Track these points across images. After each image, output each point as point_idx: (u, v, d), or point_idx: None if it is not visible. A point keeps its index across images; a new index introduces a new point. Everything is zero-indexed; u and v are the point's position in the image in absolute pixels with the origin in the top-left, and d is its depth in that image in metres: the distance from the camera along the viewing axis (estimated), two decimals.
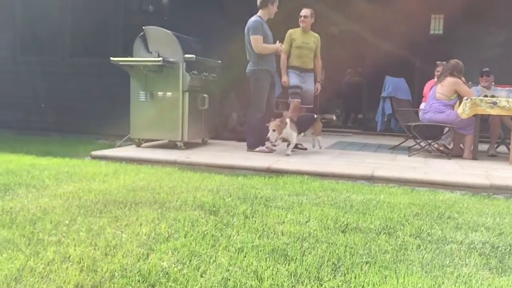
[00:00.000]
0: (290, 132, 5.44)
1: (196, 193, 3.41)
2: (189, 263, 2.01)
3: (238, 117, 7.20)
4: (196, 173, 4.38)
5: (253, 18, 5.66)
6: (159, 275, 1.87)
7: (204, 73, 6.21)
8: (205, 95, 6.06)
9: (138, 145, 6.00)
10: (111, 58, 5.85)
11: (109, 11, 8.50)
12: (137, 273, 1.87)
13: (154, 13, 8.86)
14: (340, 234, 2.51)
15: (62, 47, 8.67)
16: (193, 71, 5.91)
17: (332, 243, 2.34)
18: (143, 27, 5.93)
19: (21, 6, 8.90)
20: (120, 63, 5.85)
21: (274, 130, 5.25)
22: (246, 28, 5.69)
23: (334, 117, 8.83)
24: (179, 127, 5.79)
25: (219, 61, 6.57)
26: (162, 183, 3.80)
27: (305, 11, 6.06)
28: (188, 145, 5.96)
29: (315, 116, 5.84)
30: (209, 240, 2.33)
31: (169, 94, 5.82)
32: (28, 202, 2.99)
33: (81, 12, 8.65)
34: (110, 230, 2.44)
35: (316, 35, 6.18)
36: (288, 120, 5.43)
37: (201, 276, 1.89)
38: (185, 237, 2.36)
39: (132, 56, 6.00)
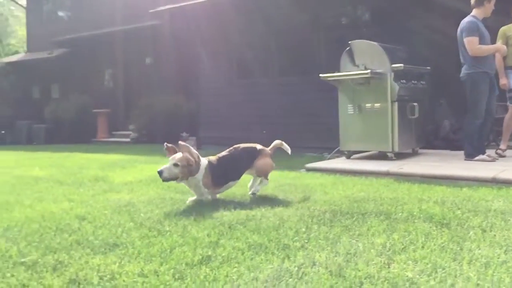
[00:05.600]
0: None
1: (421, 205, 3.34)
2: (434, 274, 1.99)
3: (451, 125, 6.79)
4: (414, 184, 4.28)
5: (466, 19, 5.31)
6: (406, 285, 1.90)
7: (413, 81, 6.05)
8: (415, 104, 5.90)
9: (348, 157, 6.13)
10: (320, 75, 6.14)
11: (308, 31, 8.93)
12: (384, 281, 1.93)
13: (351, 26, 8.99)
14: None
15: (272, 67, 9.42)
16: (401, 80, 5.82)
17: None
18: (349, 42, 6.08)
19: (234, 35, 9.98)
20: (329, 79, 6.09)
21: None
22: (459, 29, 5.37)
23: None
24: (389, 138, 5.74)
25: (428, 68, 6.32)
26: (381, 194, 3.83)
27: None
28: (399, 156, 5.85)
29: None
30: (449, 253, 2.26)
31: (377, 105, 5.83)
32: (266, 210, 3.33)
33: (284, 35, 9.29)
34: (345, 239, 2.56)
35: None
36: None
37: None
38: (422, 249, 2.34)
39: (338, 71, 6.19)
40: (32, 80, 17.45)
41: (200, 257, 2.30)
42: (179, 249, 2.44)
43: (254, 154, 4.02)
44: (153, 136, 11.93)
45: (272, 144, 4.27)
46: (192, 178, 3.66)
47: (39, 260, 2.30)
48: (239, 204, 3.60)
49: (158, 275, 2.08)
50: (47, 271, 2.15)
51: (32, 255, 2.37)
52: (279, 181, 4.70)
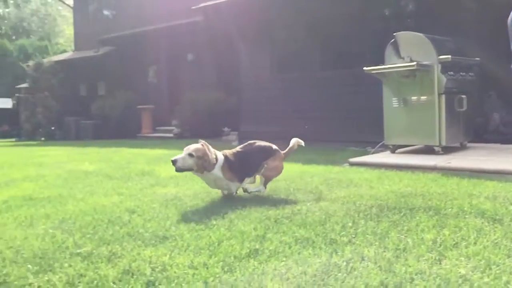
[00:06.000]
0: None
1: (471, 200, 3.25)
2: (488, 271, 1.94)
3: (501, 117, 6.55)
4: (463, 179, 4.16)
5: None
6: (459, 281, 1.86)
7: (461, 73, 5.86)
8: (463, 96, 5.73)
9: (393, 151, 6.02)
10: (364, 68, 6.05)
11: (350, 23, 8.79)
12: (436, 277, 1.89)
13: (394, 17, 8.79)
14: None
15: (313, 62, 9.35)
16: (448, 72, 5.65)
17: None
18: (394, 34, 5.96)
19: (276, 29, 9.96)
20: (373, 71, 5.99)
21: None
22: (509, 19, 5.15)
23: None
24: (435, 131, 5.60)
25: (477, 59, 6.10)
26: (429, 189, 3.75)
27: None
28: (446, 150, 5.70)
29: None
30: (503, 250, 2.20)
31: (423, 98, 5.69)
32: (311, 205, 3.32)
33: (325, 28, 9.19)
34: (394, 234, 2.52)
35: None
36: None
37: (505, 287, 1.80)
38: (474, 245, 2.28)
39: (383, 64, 6.08)
40: (80, 77, 18.04)
41: (248, 250, 2.33)
42: (226, 242, 2.47)
43: (268, 153, 3.83)
44: (196, 131, 12.09)
45: (289, 145, 4.01)
46: (209, 174, 3.55)
47: (94, 251, 2.39)
48: (283, 199, 3.61)
49: (207, 267, 2.12)
50: (101, 262, 2.23)
51: (87, 246, 2.47)
52: (324, 175, 4.68)
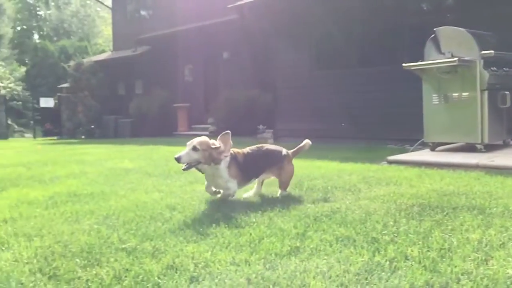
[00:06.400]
0: None
1: None
2: None
3: None
4: (507, 177, 4.04)
5: None
6: (507, 282, 1.81)
7: (504, 69, 5.69)
8: (506, 92, 5.56)
9: (433, 149, 5.90)
10: (403, 64, 5.95)
11: (389, 19, 8.65)
12: (484, 278, 1.85)
13: (433, 12, 8.59)
14: None
15: (351, 58, 9.25)
16: (491, 68, 5.49)
17: None
18: (434, 29, 5.83)
19: (313, 26, 9.90)
20: (412, 68, 5.88)
21: None
22: None
23: None
24: (477, 129, 5.46)
25: None
26: (473, 188, 3.66)
27: None
28: (488, 148, 5.54)
29: None
30: None
31: (465, 94, 5.55)
32: (350, 203, 3.30)
33: (363, 24, 9.08)
34: (437, 233, 2.48)
35: None
36: None
37: None
38: None
39: (421, 60, 5.96)
40: (118, 77, 18.47)
41: (289, 248, 2.34)
42: (267, 239, 2.49)
43: (278, 159, 3.66)
44: (231, 129, 12.05)
45: (300, 145, 3.81)
46: (214, 168, 3.35)
47: (138, 246, 2.45)
48: (321, 197, 3.60)
49: (249, 264, 2.14)
50: (146, 257, 2.29)
51: (131, 242, 2.53)
52: (362, 173, 4.63)
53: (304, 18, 9.73)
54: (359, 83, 9.03)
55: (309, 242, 2.42)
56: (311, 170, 4.90)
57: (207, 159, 3.29)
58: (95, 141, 14.47)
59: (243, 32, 12.68)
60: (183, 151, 3.27)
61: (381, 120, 8.56)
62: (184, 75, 16.30)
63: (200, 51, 15.27)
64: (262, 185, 3.80)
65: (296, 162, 5.46)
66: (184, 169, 3.29)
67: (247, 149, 3.65)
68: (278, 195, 3.70)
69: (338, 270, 2.02)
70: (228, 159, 3.39)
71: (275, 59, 10.83)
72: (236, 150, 3.56)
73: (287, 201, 3.43)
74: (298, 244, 2.39)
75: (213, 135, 12.83)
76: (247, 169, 3.52)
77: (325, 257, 2.19)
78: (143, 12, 18.11)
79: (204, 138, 3.32)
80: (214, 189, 3.60)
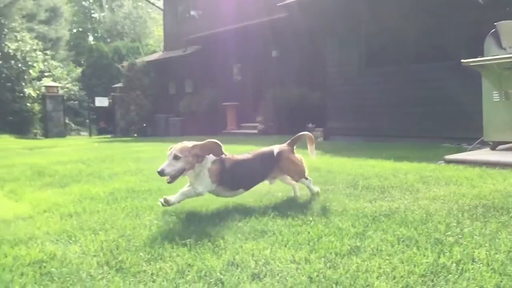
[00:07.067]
0: None
1: None
2: None
3: None
4: None
5: None
6: None
7: None
8: None
9: (493, 148, 5.67)
10: (462, 60, 5.74)
11: (443, 13, 8.37)
12: None
13: (491, 6, 8.24)
14: None
15: (405, 55, 9.03)
16: None
17: None
18: (495, 23, 5.59)
19: (365, 22, 9.73)
20: (471, 64, 5.67)
21: None
22: None
23: None
24: None
25: None
26: None
27: None
28: None
29: None
30: None
31: None
32: (408, 203, 3.22)
33: (417, 19, 8.83)
34: (505, 235, 2.38)
35: None
36: None
37: None
38: None
39: (480, 56, 5.73)
40: (169, 76, 18.89)
41: (349, 247, 2.31)
42: (326, 238, 2.47)
43: (271, 161, 3.43)
44: (280, 127, 12.18)
45: (295, 136, 3.58)
46: (199, 167, 3.16)
47: (198, 242, 2.50)
48: (378, 196, 3.53)
49: (310, 263, 2.13)
50: (206, 253, 2.33)
51: (191, 238, 2.58)
52: (419, 173, 4.51)
53: (354, 15, 9.58)
54: (411, 80, 8.79)
55: (370, 242, 2.38)
56: (365, 169, 4.82)
57: (191, 163, 3.10)
58: (147, 139, 14.86)
59: (292, 30, 12.64)
60: (164, 163, 3.07)
61: (436, 118, 8.30)
62: (233, 74, 16.45)
63: (249, 49, 15.35)
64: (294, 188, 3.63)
65: (348, 161, 5.42)
66: (169, 182, 3.10)
67: (240, 156, 3.42)
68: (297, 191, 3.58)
69: (402, 271, 1.98)
70: (213, 158, 3.20)
71: (324, 57, 10.72)
72: (230, 155, 3.35)
73: (342, 199, 3.39)
74: (358, 244, 2.36)
75: (261, 134, 12.94)
76: (234, 176, 3.28)
77: (387, 258, 2.15)
78: (192, 12, 18.39)
79: (181, 144, 3.12)
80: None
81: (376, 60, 9.58)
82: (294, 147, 3.57)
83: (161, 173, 3.00)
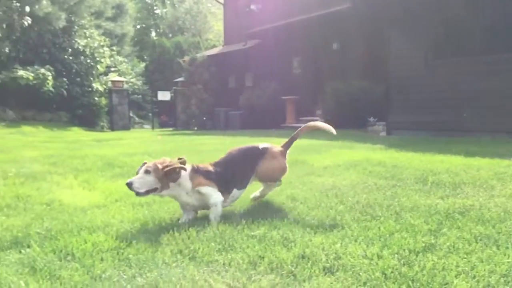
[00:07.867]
0: None
1: None
2: None
3: None
4: None
5: None
6: None
7: None
8: None
9: None
10: None
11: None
12: None
13: None
14: None
15: (473, 46, 8.61)
16: None
17: None
18: None
19: (432, 12, 9.36)
20: None
21: None
22: None
23: None
24: None
25: None
26: None
27: None
28: None
29: None
30: None
31: None
32: (484, 200, 3.08)
33: (487, 6, 8.39)
34: None
35: None
36: None
37: None
38: None
39: None
40: (229, 70, 19.12)
41: (423, 244, 2.24)
42: (398, 234, 2.41)
43: (256, 156, 3.22)
44: (341, 121, 11.96)
45: (291, 135, 3.40)
46: (176, 186, 2.89)
47: (267, 234, 2.52)
48: (450, 192, 3.41)
49: (382, 259, 2.09)
50: (276, 245, 2.34)
51: (260, 230, 2.60)
52: (492, 169, 4.30)
53: (421, 4, 9.24)
54: (482, 71, 8.37)
55: (445, 239, 2.30)
56: (434, 165, 4.65)
57: (162, 182, 2.84)
58: (207, 132, 15.13)
59: (354, 21, 12.40)
60: (134, 176, 2.87)
61: (508, 111, 7.87)
62: (292, 67, 16.39)
63: (308, 42, 15.23)
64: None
65: (415, 156, 5.27)
66: (138, 195, 2.86)
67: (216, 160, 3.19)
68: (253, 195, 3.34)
69: (482, 270, 1.90)
70: (186, 173, 2.92)
71: (388, 49, 10.41)
72: (197, 164, 3.08)
73: (412, 195, 3.30)
74: (432, 241, 2.29)
75: None
76: (222, 178, 3.03)
77: (465, 256, 2.07)
78: (252, 7, 18.47)
79: (154, 161, 2.90)
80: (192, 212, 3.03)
81: (443, 51, 9.18)
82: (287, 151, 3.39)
83: (129, 185, 2.80)
